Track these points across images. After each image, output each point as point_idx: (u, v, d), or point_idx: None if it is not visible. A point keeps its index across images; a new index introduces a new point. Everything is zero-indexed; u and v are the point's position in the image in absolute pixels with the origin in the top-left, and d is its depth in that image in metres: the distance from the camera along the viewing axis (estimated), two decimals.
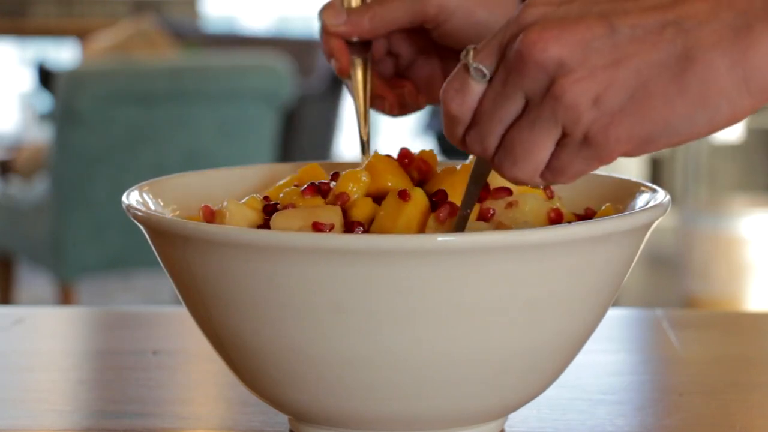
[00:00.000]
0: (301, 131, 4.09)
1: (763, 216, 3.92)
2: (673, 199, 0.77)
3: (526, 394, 0.73)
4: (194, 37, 4.80)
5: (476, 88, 0.65)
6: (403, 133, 6.40)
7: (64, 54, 6.12)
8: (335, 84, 4.28)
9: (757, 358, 0.97)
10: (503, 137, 0.65)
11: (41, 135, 4.67)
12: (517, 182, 0.66)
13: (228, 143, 3.40)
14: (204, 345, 0.76)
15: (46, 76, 4.16)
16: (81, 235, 3.29)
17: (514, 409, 0.74)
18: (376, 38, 0.87)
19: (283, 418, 0.78)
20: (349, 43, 0.86)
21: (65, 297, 3.40)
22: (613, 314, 1.05)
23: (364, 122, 0.86)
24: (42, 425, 0.81)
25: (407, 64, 0.90)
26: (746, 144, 4.65)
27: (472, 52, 0.65)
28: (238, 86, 3.41)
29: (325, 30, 0.86)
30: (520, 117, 0.64)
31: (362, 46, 0.86)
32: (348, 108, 4.78)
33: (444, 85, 0.66)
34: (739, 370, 0.93)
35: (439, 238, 0.64)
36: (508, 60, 0.64)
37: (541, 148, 0.64)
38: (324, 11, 0.86)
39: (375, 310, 0.66)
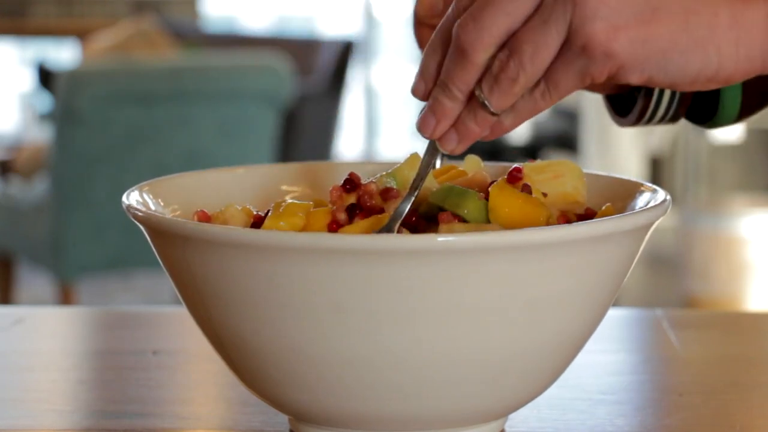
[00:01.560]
0: (301, 131, 4.09)
1: (763, 216, 3.92)
2: (673, 199, 0.77)
3: (526, 394, 0.73)
4: (194, 37, 4.80)
5: None
6: (401, 133, 6.40)
7: (64, 54, 6.12)
8: (335, 84, 4.28)
9: (757, 358, 0.97)
10: (509, 39, 0.65)
11: (41, 135, 4.67)
12: (508, 99, 0.66)
13: (228, 143, 3.40)
14: (204, 345, 0.76)
15: (46, 76, 4.16)
16: (81, 235, 3.29)
17: (514, 409, 0.74)
18: None
19: (283, 418, 0.78)
20: None
21: (65, 297, 3.40)
22: (613, 314, 1.05)
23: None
24: (42, 425, 0.81)
25: None
26: (746, 144, 4.65)
27: None
28: (238, 86, 3.41)
29: (417, 19, 0.83)
30: (530, 17, 0.64)
31: None
32: (348, 107, 4.78)
33: None
34: (739, 370, 0.93)
35: (439, 238, 0.64)
36: None
37: (548, 48, 0.64)
38: (420, 1, 0.83)
39: (375, 310, 0.66)
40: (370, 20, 6.49)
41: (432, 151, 0.70)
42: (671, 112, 0.84)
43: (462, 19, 0.65)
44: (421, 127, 0.68)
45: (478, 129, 0.68)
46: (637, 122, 0.85)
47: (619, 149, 4.39)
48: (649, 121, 0.85)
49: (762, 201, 4.16)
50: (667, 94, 0.83)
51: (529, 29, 0.65)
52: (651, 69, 0.65)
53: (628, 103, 0.86)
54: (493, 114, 0.67)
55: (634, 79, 0.65)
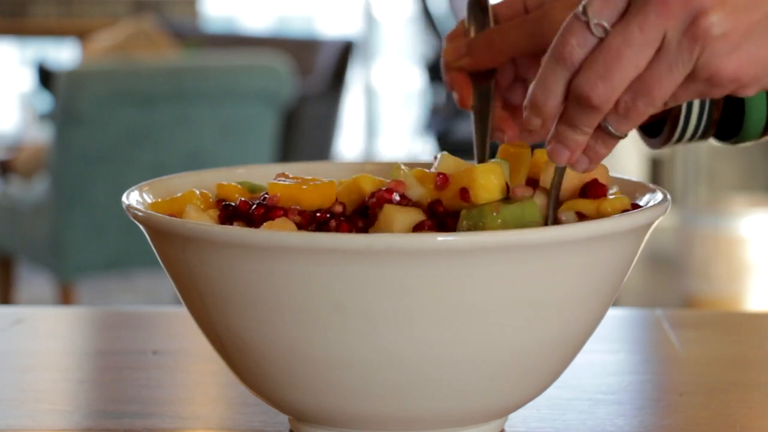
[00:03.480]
0: (301, 131, 4.09)
1: (763, 216, 3.92)
2: (673, 199, 0.77)
3: (526, 394, 0.73)
4: (194, 37, 4.80)
5: (591, 41, 0.68)
6: (404, 134, 6.40)
7: (64, 54, 6.12)
8: (335, 84, 4.28)
9: (757, 358, 0.97)
10: (634, 81, 0.67)
11: (41, 135, 4.67)
12: (634, 126, 0.69)
13: (228, 143, 3.40)
14: (204, 345, 0.76)
15: (46, 76, 4.16)
16: (81, 235, 3.29)
17: (514, 409, 0.74)
18: (499, 66, 0.86)
19: (283, 418, 0.78)
20: (471, 74, 0.85)
21: (65, 297, 3.40)
22: (613, 314, 1.05)
23: (483, 153, 0.84)
24: (42, 425, 0.81)
25: None
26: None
27: (591, 8, 0.67)
28: (238, 86, 3.40)
29: (446, 63, 0.86)
30: (653, 60, 0.67)
31: (485, 75, 0.85)
32: (348, 107, 4.78)
33: (556, 39, 0.68)
34: (739, 370, 0.93)
35: (439, 238, 0.64)
36: (647, 6, 0.66)
37: (675, 85, 0.68)
38: (445, 48, 0.86)
39: (375, 310, 0.66)
40: (370, 20, 6.49)
41: (560, 174, 0.75)
42: (700, 132, 0.87)
43: (589, 79, 0.68)
44: (555, 158, 0.71)
45: (606, 151, 0.72)
46: (665, 143, 0.89)
47: (620, 149, 4.39)
48: (678, 141, 0.88)
49: (762, 201, 4.16)
50: (694, 116, 0.85)
51: (655, 76, 0.67)
52: (762, 80, 0.69)
53: (657, 124, 0.88)
54: (619, 138, 0.71)
55: (751, 92, 0.70)
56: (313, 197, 0.74)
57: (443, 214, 0.73)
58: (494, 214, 0.71)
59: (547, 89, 0.69)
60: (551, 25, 0.84)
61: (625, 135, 0.71)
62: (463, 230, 0.71)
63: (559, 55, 0.68)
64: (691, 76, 0.68)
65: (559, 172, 0.75)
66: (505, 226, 0.71)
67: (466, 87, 0.86)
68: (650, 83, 0.67)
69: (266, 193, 0.75)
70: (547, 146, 0.72)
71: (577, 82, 0.68)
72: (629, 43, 0.66)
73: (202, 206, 0.77)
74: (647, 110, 0.69)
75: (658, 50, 0.67)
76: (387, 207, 0.72)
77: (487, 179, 0.73)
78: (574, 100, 0.69)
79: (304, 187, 0.75)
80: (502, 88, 0.88)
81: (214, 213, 0.76)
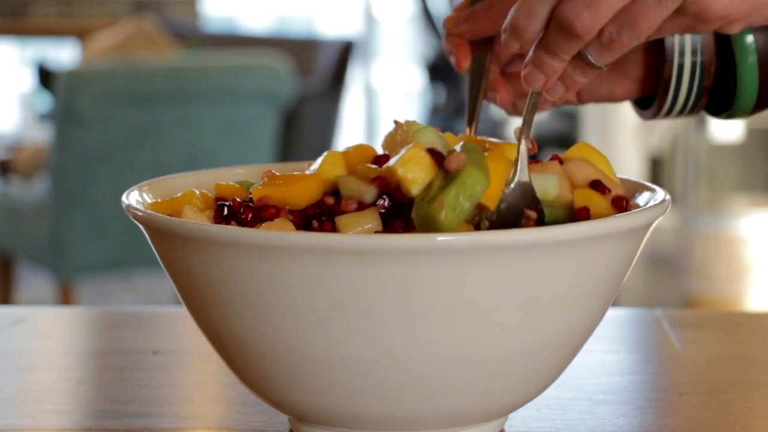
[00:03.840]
0: (301, 131, 4.09)
1: (763, 216, 3.92)
2: (673, 199, 0.77)
3: (526, 394, 0.73)
4: (194, 37, 4.80)
5: None
6: None
7: (64, 54, 6.12)
8: (335, 84, 4.28)
9: (757, 358, 0.97)
10: (620, 11, 0.67)
11: (41, 135, 4.67)
12: (615, 57, 0.69)
13: (228, 143, 3.40)
14: (204, 345, 0.76)
15: (46, 76, 4.16)
16: (81, 235, 3.29)
17: (514, 409, 0.74)
18: (497, 33, 0.86)
19: (283, 418, 0.78)
20: (471, 42, 0.86)
21: (65, 297, 3.40)
22: (613, 314, 1.05)
23: (472, 117, 0.85)
24: (42, 425, 0.81)
25: None
26: (746, 144, 4.65)
27: None
28: (238, 86, 3.40)
29: (447, 28, 0.87)
30: None
31: (484, 45, 0.87)
32: (348, 107, 4.78)
33: None
34: (739, 370, 0.93)
35: (439, 238, 0.64)
36: None
37: (662, 19, 0.67)
38: (448, 16, 0.87)
39: (374, 309, 0.66)
40: (370, 20, 6.49)
41: (534, 98, 0.74)
42: (690, 106, 0.87)
43: (574, 5, 0.67)
44: (531, 82, 0.71)
45: (584, 80, 0.72)
46: (656, 115, 0.88)
47: (619, 149, 4.39)
48: (668, 114, 0.88)
49: (762, 201, 4.16)
50: (684, 87, 0.85)
51: (644, 8, 0.67)
52: (755, 19, 0.69)
53: (649, 97, 0.89)
54: (598, 68, 0.71)
55: (737, 29, 0.70)
56: (299, 195, 0.74)
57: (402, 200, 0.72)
58: (441, 214, 0.68)
59: (529, 12, 0.69)
60: None
61: (605, 66, 0.71)
62: (421, 220, 0.70)
63: None
64: (679, 11, 0.67)
65: (534, 97, 0.74)
66: (455, 214, 0.68)
67: (464, 51, 0.86)
68: (637, 15, 0.67)
69: (251, 195, 0.75)
70: (523, 70, 0.72)
71: (563, 8, 0.67)
72: None
73: (201, 206, 0.77)
74: (631, 42, 0.68)
75: None
76: (339, 219, 0.71)
77: (413, 171, 0.70)
78: (557, 26, 0.68)
79: (285, 187, 0.74)
80: (500, 61, 0.88)
81: (212, 213, 0.76)
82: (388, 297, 0.65)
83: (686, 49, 0.85)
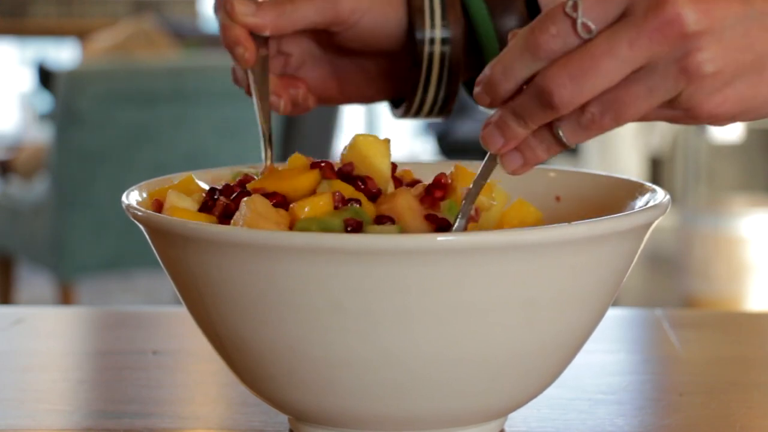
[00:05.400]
0: (301, 131, 4.09)
1: (763, 216, 3.92)
2: (673, 199, 0.77)
3: (526, 394, 0.73)
4: (194, 37, 4.81)
5: (572, 40, 0.64)
6: (404, 134, 6.40)
7: (64, 54, 6.12)
8: None
9: (757, 358, 0.97)
10: (606, 93, 0.64)
11: (41, 135, 4.67)
12: (588, 139, 0.66)
13: (228, 143, 3.40)
14: (204, 345, 0.76)
15: (46, 76, 4.16)
16: (81, 235, 3.29)
17: (514, 409, 0.74)
18: (281, 35, 0.85)
19: (283, 418, 0.78)
20: (253, 35, 0.84)
21: (65, 297, 3.40)
22: (613, 314, 1.05)
23: (266, 117, 0.84)
24: (42, 425, 0.81)
25: (297, 64, 0.89)
26: (746, 144, 4.65)
27: (582, 5, 0.63)
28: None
29: (232, 18, 0.83)
30: (632, 78, 0.64)
31: (262, 42, 0.84)
32: (348, 108, 4.78)
33: (534, 24, 0.64)
34: (739, 370, 0.93)
35: (439, 238, 0.64)
36: (643, 25, 0.63)
37: (649, 110, 0.65)
38: (235, 2, 0.83)
39: (374, 309, 0.66)
40: None
41: (489, 164, 0.70)
42: (437, 110, 0.88)
43: (558, 76, 0.64)
44: (488, 142, 0.67)
45: (545, 157, 0.68)
46: (405, 115, 0.89)
47: (619, 149, 4.39)
48: (417, 114, 0.89)
49: (762, 201, 4.16)
50: (430, 95, 0.87)
51: (633, 95, 0.64)
52: (742, 118, 0.68)
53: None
54: (565, 147, 0.67)
55: (724, 125, 0.69)
56: (293, 188, 0.74)
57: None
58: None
59: (508, 71, 0.65)
60: (343, 4, 0.83)
61: (572, 146, 0.67)
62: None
63: (533, 42, 0.64)
64: (668, 103, 0.65)
65: (489, 161, 0.70)
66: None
67: (252, 45, 0.83)
68: (625, 101, 0.64)
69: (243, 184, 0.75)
70: (483, 128, 0.68)
71: (545, 75, 0.64)
72: (613, 54, 0.63)
73: (185, 191, 0.77)
74: (611, 126, 0.65)
75: (639, 70, 0.64)
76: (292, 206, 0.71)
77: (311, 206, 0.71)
78: (534, 92, 0.65)
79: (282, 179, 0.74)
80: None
81: (199, 197, 0.76)
82: (388, 297, 0.65)
83: (435, 53, 0.85)
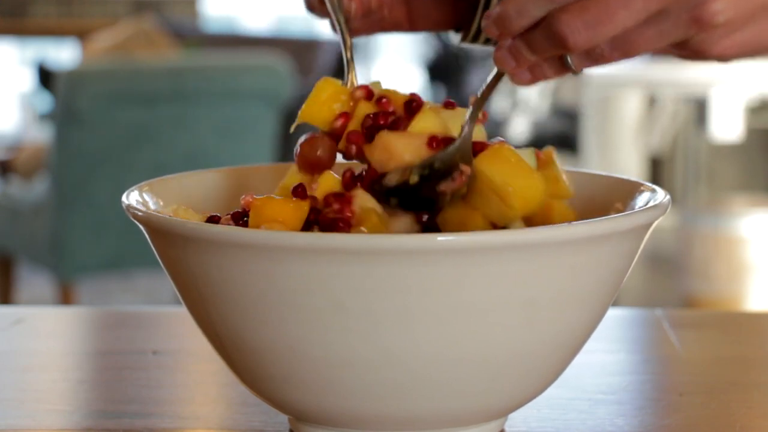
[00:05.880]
0: (301, 131, 4.09)
1: (763, 216, 3.92)
2: (673, 199, 0.77)
3: (526, 394, 0.73)
4: (194, 37, 4.80)
5: None
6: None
7: (64, 54, 6.12)
8: None
9: (757, 358, 0.97)
10: (619, 33, 0.66)
11: (41, 135, 4.67)
12: (592, 66, 0.68)
13: (228, 143, 3.40)
14: (204, 345, 0.76)
15: (46, 76, 4.16)
16: (81, 235, 3.29)
17: (514, 409, 0.74)
18: None
19: (283, 418, 0.78)
20: None
21: (65, 297, 3.40)
22: (613, 314, 1.05)
23: (345, 39, 0.83)
24: (42, 425, 0.81)
25: None
26: (746, 144, 4.65)
27: None
28: (238, 86, 3.40)
29: None
30: (644, 23, 0.66)
31: None
32: None
33: None
34: (739, 370, 0.93)
35: (439, 238, 0.64)
36: None
37: (655, 49, 0.67)
38: None
39: (375, 309, 0.66)
40: None
41: (498, 75, 0.73)
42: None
43: (573, 22, 0.66)
44: (501, 63, 0.70)
45: (553, 76, 0.71)
46: (464, 40, 0.89)
47: (619, 149, 4.39)
48: (475, 40, 0.88)
49: (762, 201, 4.16)
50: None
51: (643, 37, 0.67)
52: (749, 58, 0.70)
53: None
54: (574, 72, 0.70)
55: (729, 63, 0.70)
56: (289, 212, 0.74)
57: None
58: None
59: (522, 11, 0.68)
60: None
61: (579, 72, 0.70)
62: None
63: None
64: (677, 45, 0.68)
65: (497, 76, 0.73)
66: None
67: None
68: (636, 42, 0.67)
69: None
70: (496, 51, 0.71)
71: (561, 20, 0.66)
72: (629, 5, 0.65)
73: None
74: (619, 60, 0.68)
75: (653, 15, 0.66)
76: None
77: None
78: (548, 33, 0.67)
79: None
80: None
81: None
82: (389, 297, 0.65)
83: None
